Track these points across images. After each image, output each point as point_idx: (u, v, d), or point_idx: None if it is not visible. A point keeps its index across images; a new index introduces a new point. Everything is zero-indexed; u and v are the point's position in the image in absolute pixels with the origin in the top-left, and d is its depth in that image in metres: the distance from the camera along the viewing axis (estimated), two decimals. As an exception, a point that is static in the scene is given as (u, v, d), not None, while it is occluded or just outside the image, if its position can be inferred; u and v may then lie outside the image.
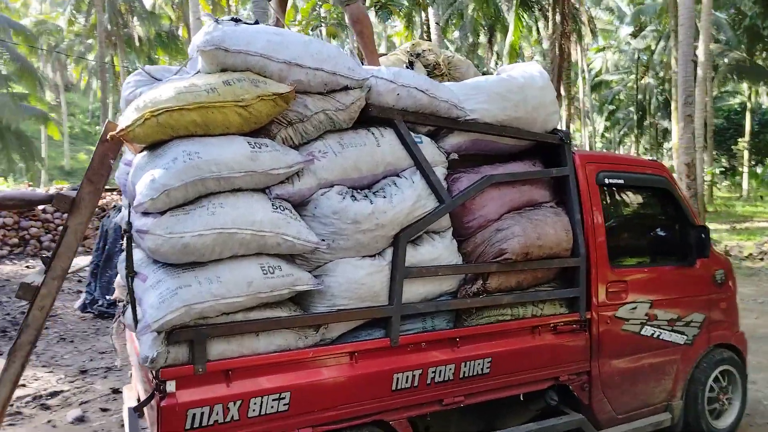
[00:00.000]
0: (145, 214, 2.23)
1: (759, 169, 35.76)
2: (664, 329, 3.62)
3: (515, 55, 19.94)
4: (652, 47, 33.77)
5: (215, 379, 2.32)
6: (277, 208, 2.42)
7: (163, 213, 2.21)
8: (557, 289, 3.24)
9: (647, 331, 3.55)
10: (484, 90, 3.06)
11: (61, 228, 3.59)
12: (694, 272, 3.78)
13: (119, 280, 3.25)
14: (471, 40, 31.06)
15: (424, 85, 2.85)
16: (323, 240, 2.52)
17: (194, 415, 2.25)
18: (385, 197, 2.66)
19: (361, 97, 2.67)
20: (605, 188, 3.48)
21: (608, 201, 3.53)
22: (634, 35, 34.79)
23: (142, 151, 2.42)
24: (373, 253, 2.70)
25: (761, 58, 25.15)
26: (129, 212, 2.46)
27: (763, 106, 38.18)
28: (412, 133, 2.84)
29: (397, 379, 2.71)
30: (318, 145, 2.61)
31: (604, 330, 3.36)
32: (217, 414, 2.30)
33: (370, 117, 2.75)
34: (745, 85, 34.44)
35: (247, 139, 2.37)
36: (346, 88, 2.63)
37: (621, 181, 3.53)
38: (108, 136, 2.23)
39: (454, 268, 2.89)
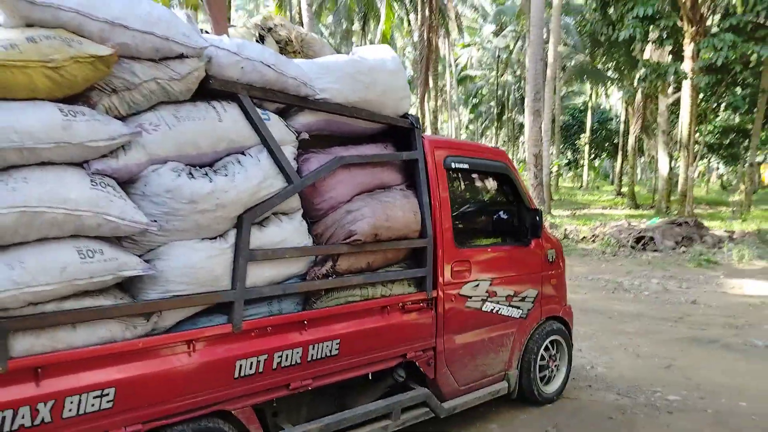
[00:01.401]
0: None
1: (597, 162, 40.15)
2: (502, 305, 3.89)
3: (387, 44, 20.30)
4: (511, 47, 36.30)
5: (20, 378, 2.04)
6: (97, 184, 2.17)
7: (-52, 188, 1.87)
8: (405, 270, 3.32)
9: (488, 306, 3.78)
10: (335, 70, 3.01)
11: None
12: (529, 252, 4.10)
13: None
14: (345, 26, 31.08)
15: (271, 59, 2.73)
16: (154, 221, 2.32)
17: (-7, 420, 1.96)
18: (226, 175, 2.51)
19: (199, 67, 2.48)
20: (452, 172, 3.62)
21: (454, 185, 3.68)
22: (496, 34, 37.10)
23: None
24: (214, 235, 2.55)
25: (600, 62, 28.02)
26: None
27: (601, 106, 42.84)
28: (258, 109, 2.71)
29: (240, 366, 2.60)
30: (149, 116, 2.39)
31: (449, 307, 3.52)
32: (23, 417, 2.03)
33: (212, 90, 2.58)
34: (587, 86, 38.39)
35: (59, 106, 2.09)
36: (181, 57, 2.43)
37: (466, 166, 3.70)
38: None
39: (301, 250, 2.83)
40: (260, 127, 2.67)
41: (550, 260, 4.27)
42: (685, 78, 15.22)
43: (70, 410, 2.13)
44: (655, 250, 13.23)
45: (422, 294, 3.36)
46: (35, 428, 2.05)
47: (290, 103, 2.87)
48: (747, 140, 30.19)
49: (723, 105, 22.26)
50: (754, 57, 14.48)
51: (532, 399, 4.18)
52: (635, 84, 18.38)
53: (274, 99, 2.79)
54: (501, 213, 4.08)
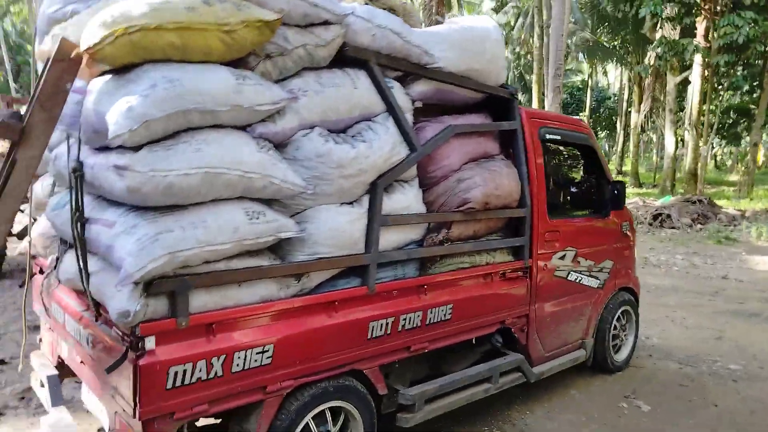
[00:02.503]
0: (121, 148, 1.92)
1: (597, 141, 39.68)
2: (584, 275, 3.98)
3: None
4: (512, 23, 35.97)
5: (197, 333, 2.12)
6: (262, 148, 2.22)
7: (138, 148, 1.92)
8: (507, 238, 3.39)
9: (572, 276, 3.88)
10: (447, 38, 3.04)
11: None
12: (608, 223, 4.19)
13: (45, 229, 2.78)
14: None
15: (398, 27, 2.76)
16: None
17: (176, 372, 2.04)
18: (364, 141, 2.56)
19: (340, 34, 2.51)
20: (545, 143, 3.68)
21: (545, 155, 3.73)
22: (496, 11, 36.72)
23: (100, 74, 2.07)
24: (352, 199, 2.61)
25: (605, 39, 27.88)
26: (78, 148, 2.11)
27: (599, 84, 42.78)
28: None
29: (372, 327, 2.68)
30: (297, 82, 2.43)
31: (541, 276, 3.61)
32: (200, 370, 2.10)
33: (344, 57, 2.61)
34: (585, 65, 38.21)
35: (231, 70, 2.12)
36: (326, 23, 2.46)
37: (558, 137, 3.76)
38: (66, 55, 1.86)
39: (425, 217, 2.90)
40: (388, 95, 2.71)
41: (625, 232, 4.36)
42: (707, 56, 15.21)
43: (237, 365, 2.21)
44: (672, 227, 13.40)
45: (520, 262, 3.44)
46: (209, 381, 2.13)
47: (410, 71, 2.90)
48: (746, 120, 30.44)
49: (725, 84, 22.24)
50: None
51: (605, 367, 4.31)
52: (649, 61, 18.30)
53: (398, 67, 2.83)
54: (585, 184, 4.15)
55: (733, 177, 33.04)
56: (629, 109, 30.77)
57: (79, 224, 2.10)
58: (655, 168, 32.53)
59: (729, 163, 44.59)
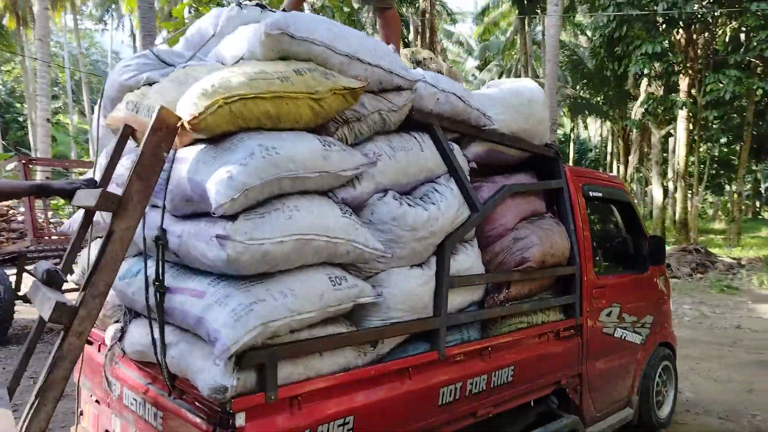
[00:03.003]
0: (222, 218, 1.89)
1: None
2: (628, 330, 3.95)
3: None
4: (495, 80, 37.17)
5: (283, 407, 2.03)
6: (345, 212, 2.20)
7: (234, 217, 1.89)
8: (559, 296, 3.37)
9: (618, 333, 3.84)
10: (500, 101, 3.11)
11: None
12: (647, 278, 4.19)
13: (113, 299, 2.69)
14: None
15: (460, 91, 2.83)
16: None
17: (264, 450, 1.94)
18: (433, 204, 2.56)
19: (411, 99, 2.56)
20: (588, 200, 3.72)
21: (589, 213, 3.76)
22: (480, 68, 38.06)
23: (190, 144, 2.07)
24: (421, 262, 2.58)
25: (589, 96, 28.88)
26: (162, 216, 2.08)
27: (580, 137, 44.05)
28: None
29: (443, 393, 2.60)
30: (371, 147, 2.44)
31: (591, 334, 3.56)
32: (286, 449, 2.00)
33: (410, 121, 2.65)
34: (566, 119, 39.43)
35: (317, 137, 2.14)
36: (398, 89, 2.51)
37: (600, 194, 3.81)
38: (164, 125, 1.86)
39: (490, 277, 2.88)
40: (452, 157, 2.74)
41: (661, 287, 4.37)
42: (693, 111, 15.81)
43: (320, 440, 2.11)
44: (673, 277, 13.48)
45: (572, 320, 3.41)
46: (294, 459, 2.03)
47: (469, 133, 2.95)
48: (726, 172, 31.37)
49: (704, 137, 23.04)
50: (759, 92, 15.10)
51: (649, 425, 4.21)
52: (635, 116, 18.95)
53: (458, 130, 2.88)
54: (624, 240, 4.18)
55: (717, 225, 33.69)
56: (611, 161, 31.56)
57: (158, 294, 2.04)
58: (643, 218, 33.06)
59: (710, 212, 45.58)
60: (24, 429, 1.62)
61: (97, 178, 2.81)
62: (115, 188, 2.35)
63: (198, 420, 2.00)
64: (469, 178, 2.91)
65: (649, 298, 4.21)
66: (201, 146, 2.02)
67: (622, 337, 3.88)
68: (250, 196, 1.88)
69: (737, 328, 8.28)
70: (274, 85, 1.98)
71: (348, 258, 2.21)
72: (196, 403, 2.03)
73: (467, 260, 2.81)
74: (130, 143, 2.37)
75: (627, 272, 4.08)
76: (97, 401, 2.89)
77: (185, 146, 2.09)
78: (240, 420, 1.90)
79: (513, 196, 3.15)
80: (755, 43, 13.84)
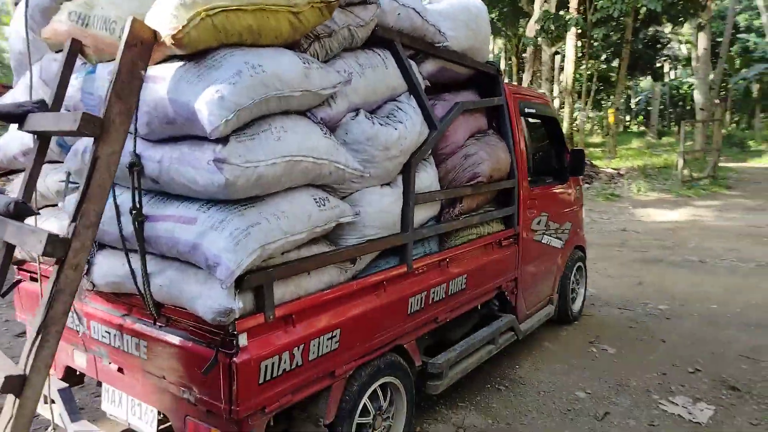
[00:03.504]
0: (210, 141, 1.81)
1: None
2: (552, 237, 4.35)
3: None
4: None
5: (279, 325, 2.08)
6: (325, 133, 2.18)
7: (226, 140, 1.82)
8: (501, 208, 3.61)
9: (545, 239, 4.22)
10: (452, 17, 3.11)
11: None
12: (568, 188, 4.58)
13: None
14: None
15: (419, 6, 2.80)
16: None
17: (266, 367, 2.01)
18: (401, 122, 2.59)
19: (376, 12, 2.50)
20: (523, 116, 3.92)
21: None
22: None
23: (163, 61, 1.91)
24: (390, 180, 2.64)
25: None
26: (134, 141, 1.95)
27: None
28: None
29: (411, 303, 2.77)
30: (341, 64, 2.39)
31: (525, 241, 3.89)
32: (284, 362, 2.08)
33: (373, 38, 2.60)
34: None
35: (297, 54, 2.06)
36: (363, 2, 2.44)
37: (533, 110, 4.02)
38: (139, 39, 1.69)
39: (450, 192, 3.01)
40: (412, 75, 2.75)
41: (578, 195, 4.79)
42: (586, 29, 16.61)
43: (313, 353, 2.20)
44: (564, 188, 14.64)
45: (511, 230, 3.68)
46: (292, 372, 2.11)
47: (424, 50, 2.94)
48: (605, 87, 33.77)
49: (587, 54, 24.46)
50: (643, 10, 16.12)
51: (565, 318, 4.77)
52: (529, 33, 19.59)
53: (416, 46, 2.86)
54: (549, 153, 4.48)
55: (594, 139, 36.56)
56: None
57: (137, 223, 1.95)
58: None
59: (588, 126, 49.23)
60: (30, 366, 1.55)
61: (27, 98, 2.53)
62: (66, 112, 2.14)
63: (195, 344, 2.01)
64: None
65: (569, 207, 4.62)
66: (177, 64, 1.87)
67: (548, 243, 4.28)
68: (242, 117, 1.81)
69: (623, 231, 9.33)
70: (254, -3, 1.86)
71: (330, 179, 2.21)
72: (191, 328, 2.02)
73: (428, 178, 2.91)
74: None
75: (552, 183, 4.41)
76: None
77: (154, 64, 1.92)
78: (243, 340, 1.93)
79: (463, 114, 3.25)
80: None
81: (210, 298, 1.85)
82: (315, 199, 2.16)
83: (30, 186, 2.01)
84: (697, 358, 4.12)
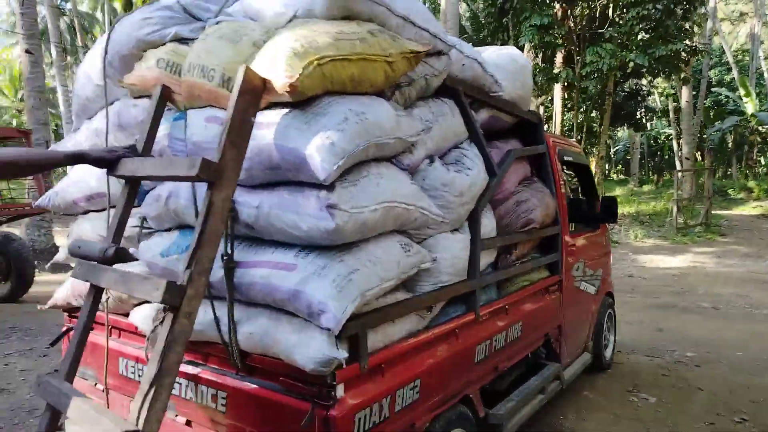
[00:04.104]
0: (314, 187, 1.80)
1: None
2: (588, 283, 4.34)
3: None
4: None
5: (370, 375, 2.02)
6: (411, 179, 2.19)
7: (332, 186, 1.81)
8: (546, 255, 3.61)
9: (582, 285, 4.21)
10: (503, 68, 3.20)
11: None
12: (599, 235, 4.61)
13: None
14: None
15: (480, 57, 2.87)
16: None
17: (359, 419, 1.93)
18: (470, 169, 2.61)
19: (449, 63, 2.55)
20: (562, 164, 3.98)
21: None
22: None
23: (265, 107, 1.92)
24: (458, 226, 2.64)
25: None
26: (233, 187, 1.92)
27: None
28: None
29: (477, 351, 2.72)
30: (417, 112, 2.42)
31: (567, 288, 3.88)
32: (374, 414, 2.01)
33: (440, 87, 2.65)
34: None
35: (388, 102, 2.09)
36: (439, 54, 2.49)
37: (570, 158, 4.09)
38: (252, 87, 1.70)
39: (509, 239, 3.02)
40: (474, 123, 2.80)
41: (606, 242, 4.83)
42: (576, 82, 17.20)
43: (398, 404, 2.13)
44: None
45: (556, 277, 3.68)
46: (381, 425, 2.03)
47: (481, 99, 3.00)
48: (587, 138, 34.79)
49: (572, 107, 25.31)
50: (631, 64, 16.75)
51: (599, 366, 4.70)
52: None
53: (476, 96, 2.92)
54: (584, 200, 4.53)
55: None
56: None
57: (228, 269, 1.91)
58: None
59: (574, 174, 50.19)
60: (144, 420, 1.46)
61: (91, 143, 2.53)
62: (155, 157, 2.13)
63: (285, 395, 1.93)
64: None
65: (601, 253, 4.64)
66: (282, 111, 1.88)
67: (585, 290, 4.27)
68: (347, 163, 1.81)
69: (630, 277, 9.39)
70: (357, 47, 1.89)
71: (415, 224, 2.21)
72: (281, 378, 1.95)
73: (489, 224, 2.92)
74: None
75: (586, 230, 4.45)
76: (103, 390, 2.62)
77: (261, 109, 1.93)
78: (340, 391, 1.86)
79: (514, 161, 3.29)
80: (628, 19, 15.32)
81: (310, 347, 1.80)
82: (401, 244, 2.14)
83: (119, 231, 1.97)
84: (739, 407, 4.07)
